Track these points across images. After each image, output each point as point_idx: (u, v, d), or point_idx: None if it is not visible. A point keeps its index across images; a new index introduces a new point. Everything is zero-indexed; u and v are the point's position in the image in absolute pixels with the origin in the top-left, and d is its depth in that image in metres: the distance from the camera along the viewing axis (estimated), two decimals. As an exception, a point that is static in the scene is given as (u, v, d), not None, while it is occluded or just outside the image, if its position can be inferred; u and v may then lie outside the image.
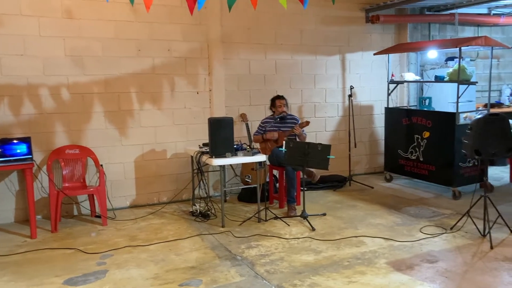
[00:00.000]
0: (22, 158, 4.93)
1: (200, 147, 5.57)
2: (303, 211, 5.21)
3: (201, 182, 5.61)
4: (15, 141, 4.94)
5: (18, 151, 4.94)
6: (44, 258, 4.31)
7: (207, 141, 5.28)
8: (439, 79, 6.58)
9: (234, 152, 5.12)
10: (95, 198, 5.49)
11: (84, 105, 5.65)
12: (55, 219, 5.04)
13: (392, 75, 7.07)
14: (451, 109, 6.77)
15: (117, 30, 5.71)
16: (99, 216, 5.41)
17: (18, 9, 5.21)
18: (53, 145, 5.51)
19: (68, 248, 4.54)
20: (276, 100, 6.00)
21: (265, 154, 5.71)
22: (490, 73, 6.21)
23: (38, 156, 5.37)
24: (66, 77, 5.52)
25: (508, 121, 4.54)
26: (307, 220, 5.10)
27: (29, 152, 5.00)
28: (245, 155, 5.17)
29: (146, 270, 3.97)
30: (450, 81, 6.27)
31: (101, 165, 5.54)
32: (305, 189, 5.45)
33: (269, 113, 6.30)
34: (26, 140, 5.01)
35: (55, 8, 5.38)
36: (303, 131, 5.89)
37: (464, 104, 6.48)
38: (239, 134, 6.20)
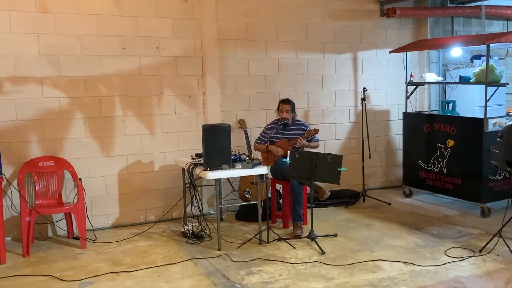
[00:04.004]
0: (-10, 171, 4.92)
1: (192, 158, 5.55)
2: (311, 231, 5.18)
3: (194, 198, 5.59)
4: (-19, 152, 4.93)
5: (-15, 163, 4.92)
6: (14, 286, 4.27)
7: (200, 151, 5.26)
8: (464, 80, 6.58)
9: (232, 163, 5.10)
10: (72, 217, 5.46)
11: (61, 111, 5.64)
12: (27, 241, 5.00)
13: (411, 76, 7.08)
14: (478, 114, 6.78)
15: (98, 26, 5.72)
16: (77, 238, 5.38)
17: (-14, 2, 5.24)
18: (25, 157, 5.49)
19: (41, 274, 4.51)
20: (280, 104, 6.02)
21: (267, 165, 5.69)
22: (523, 73, 6.22)
23: (7, 169, 5.35)
24: (40, 79, 5.52)
25: (544, 128, 4.54)
26: (316, 242, 5.07)
27: (-2, 164, 4.98)
28: (244, 167, 5.16)
29: (131, 300, 3.94)
30: (477, 82, 6.27)
31: (80, 179, 5.52)
32: (313, 206, 5.42)
33: (271, 118, 6.30)
34: (-6, 151, 4.99)
35: (28, 1, 5.39)
36: (314, 137, 5.88)
37: (492, 108, 6.48)
38: (237, 143, 6.18)
